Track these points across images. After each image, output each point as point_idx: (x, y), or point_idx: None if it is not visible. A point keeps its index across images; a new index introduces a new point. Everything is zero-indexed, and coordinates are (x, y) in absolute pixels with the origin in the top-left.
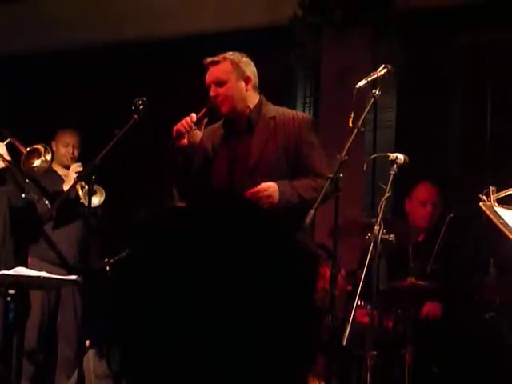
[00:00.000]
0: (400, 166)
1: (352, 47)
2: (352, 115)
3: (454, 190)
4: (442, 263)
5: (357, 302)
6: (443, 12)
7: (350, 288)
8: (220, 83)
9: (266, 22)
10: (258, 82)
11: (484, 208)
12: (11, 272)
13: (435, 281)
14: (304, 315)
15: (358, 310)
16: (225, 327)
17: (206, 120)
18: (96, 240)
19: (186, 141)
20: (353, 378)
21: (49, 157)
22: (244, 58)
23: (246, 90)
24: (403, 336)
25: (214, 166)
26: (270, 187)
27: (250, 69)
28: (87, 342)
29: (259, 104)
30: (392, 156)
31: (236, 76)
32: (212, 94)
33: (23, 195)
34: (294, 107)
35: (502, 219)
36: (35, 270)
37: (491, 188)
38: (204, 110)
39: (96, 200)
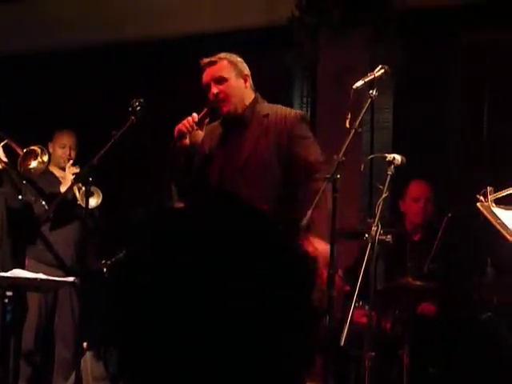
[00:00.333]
0: (397, 167)
1: (349, 48)
2: (349, 116)
3: (452, 190)
4: (439, 263)
5: (354, 302)
6: (441, 12)
7: (347, 288)
8: (220, 80)
9: (264, 22)
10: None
11: (481, 208)
12: (8, 274)
13: (433, 281)
14: (302, 316)
15: (355, 310)
16: (223, 328)
17: (207, 120)
18: (93, 241)
19: (187, 141)
20: (351, 378)
21: (45, 158)
22: (239, 58)
23: (246, 88)
24: (401, 336)
25: (210, 165)
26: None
27: (246, 67)
28: (84, 344)
29: (254, 102)
30: (389, 157)
31: (235, 74)
32: (214, 91)
33: (20, 197)
34: (291, 107)
35: (500, 219)
36: (32, 271)
37: (488, 188)
38: (205, 109)
39: (93, 201)
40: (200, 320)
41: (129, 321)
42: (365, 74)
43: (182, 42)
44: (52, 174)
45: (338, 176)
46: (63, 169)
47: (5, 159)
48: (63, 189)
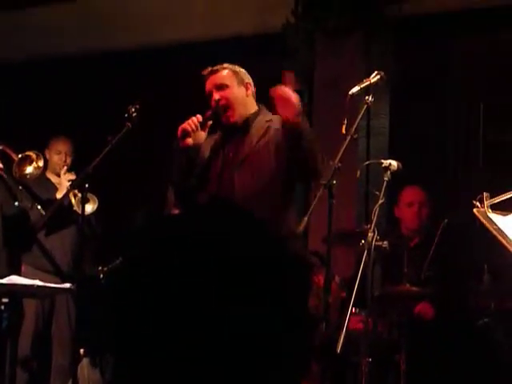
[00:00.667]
0: (393, 173)
1: (345, 54)
2: (345, 122)
3: (448, 196)
4: (436, 270)
5: (351, 308)
6: (436, 18)
7: (344, 295)
8: (222, 87)
9: (259, 29)
10: (255, 92)
11: (478, 214)
12: (5, 280)
13: (429, 287)
14: (298, 322)
15: (352, 316)
16: (222, 335)
17: (210, 122)
18: (90, 248)
19: (191, 140)
20: None
21: (41, 163)
22: (241, 68)
23: (247, 96)
24: (398, 342)
25: (210, 171)
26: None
27: (248, 76)
28: (81, 351)
29: (258, 111)
30: (385, 163)
31: (237, 82)
32: (215, 97)
33: (16, 203)
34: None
35: (496, 225)
36: (29, 278)
37: (485, 194)
38: (209, 112)
39: (89, 208)
40: (198, 327)
41: (125, 328)
42: (360, 80)
43: (176, 50)
44: (48, 180)
45: (334, 182)
46: (59, 175)
47: (0, 165)
48: (59, 195)
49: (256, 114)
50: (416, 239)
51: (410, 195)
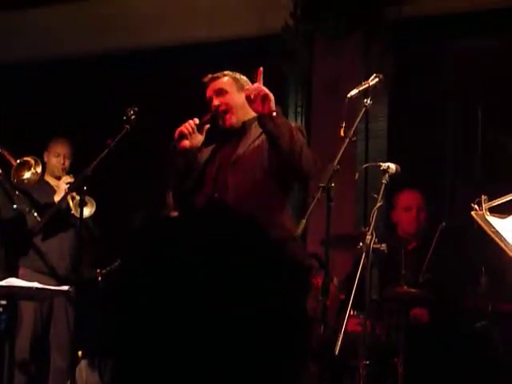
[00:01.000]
0: (392, 176)
1: (344, 56)
2: (344, 125)
3: (446, 199)
4: (434, 273)
5: (349, 311)
6: (436, 20)
7: (342, 297)
8: (221, 93)
9: (258, 31)
10: None
11: (476, 217)
12: (3, 283)
13: (427, 290)
14: (296, 324)
15: (350, 319)
16: (223, 337)
17: (207, 126)
18: (88, 251)
19: (187, 142)
20: None
21: (39, 169)
22: (242, 76)
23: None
24: (396, 345)
25: (207, 171)
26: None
27: (249, 83)
28: (79, 353)
29: (257, 116)
30: (384, 165)
31: (236, 88)
32: (215, 103)
33: (15, 206)
34: (285, 116)
35: (494, 228)
36: (27, 280)
37: (483, 197)
38: (207, 116)
39: (87, 211)
40: (197, 329)
41: (124, 330)
42: (359, 83)
43: (176, 51)
44: (47, 183)
45: (333, 185)
46: (58, 178)
47: None
48: (57, 198)
49: (254, 119)
50: (414, 242)
51: (408, 199)
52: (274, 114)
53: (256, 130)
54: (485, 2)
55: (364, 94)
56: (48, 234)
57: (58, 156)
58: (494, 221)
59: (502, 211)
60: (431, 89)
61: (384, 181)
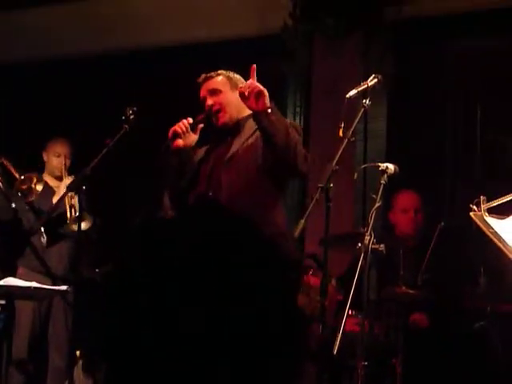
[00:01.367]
0: (390, 176)
1: (343, 56)
2: (342, 125)
3: (445, 200)
4: (432, 273)
5: (347, 311)
6: (434, 21)
7: (340, 297)
8: (215, 92)
9: (257, 31)
10: None
11: (474, 218)
12: (1, 282)
13: (426, 290)
14: (290, 323)
15: (348, 319)
16: (221, 338)
17: (201, 125)
18: (86, 251)
19: (181, 141)
20: None
21: (39, 188)
22: (236, 74)
23: (240, 101)
24: (394, 346)
25: (201, 170)
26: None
27: (243, 82)
28: (77, 353)
29: (251, 114)
30: (382, 166)
31: (230, 87)
32: (209, 102)
33: (13, 205)
34: (284, 116)
35: (492, 229)
36: (25, 280)
37: (482, 198)
38: (201, 116)
39: (83, 225)
40: (197, 330)
41: (122, 333)
42: (358, 83)
43: (176, 51)
44: (46, 183)
45: (331, 185)
46: (58, 178)
47: None
48: (56, 199)
49: (248, 117)
50: (412, 243)
51: (406, 201)
52: (269, 110)
53: (250, 128)
54: (485, 2)
55: (363, 94)
56: (49, 242)
57: (58, 156)
58: (493, 221)
59: (500, 212)
60: (431, 89)
61: (383, 181)
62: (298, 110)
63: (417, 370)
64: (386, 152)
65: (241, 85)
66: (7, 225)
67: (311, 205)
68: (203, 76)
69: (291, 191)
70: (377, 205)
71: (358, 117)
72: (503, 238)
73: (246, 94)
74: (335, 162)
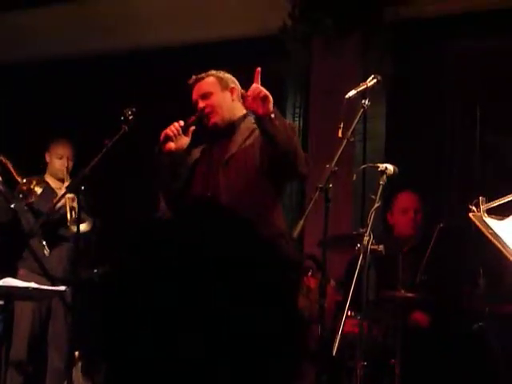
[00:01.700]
0: (389, 177)
1: (342, 57)
2: (342, 125)
3: (444, 200)
4: (431, 274)
5: (346, 312)
6: (433, 22)
7: (339, 298)
8: (206, 95)
9: (256, 31)
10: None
11: (473, 218)
12: (0, 283)
13: (424, 291)
14: (290, 324)
15: (347, 320)
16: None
17: (193, 128)
18: (86, 252)
19: (173, 144)
20: None
21: (39, 190)
22: (227, 74)
23: (232, 100)
24: (393, 346)
25: (197, 172)
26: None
27: (233, 81)
28: (76, 353)
29: (246, 114)
30: (382, 166)
31: (220, 87)
32: (200, 106)
33: (12, 205)
34: (284, 117)
35: (492, 229)
36: (26, 281)
37: (481, 198)
38: (193, 118)
39: (82, 227)
40: (193, 332)
41: (120, 334)
42: (357, 84)
43: (176, 51)
44: (48, 184)
45: (330, 186)
46: (60, 180)
47: None
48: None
49: (243, 118)
50: (411, 243)
51: (405, 201)
52: (273, 115)
53: (246, 128)
54: (484, 2)
55: (362, 94)
56: (51, 241)
57: (60, 158)
58: (492, 222)
59: (500, 213)
60: (430, 89)
61: (382, 182)
62: (297, 110)
63: (415, 370)
64: (385, 152)
65: (232, 84)
66: (6, 226)
67: (310, 205)
68: (194, 78)
69: (289, 192)
70: (376, 205)
71: (357, 117)
72: (502, 238)
73: (251, 98)
74: (334, 162)
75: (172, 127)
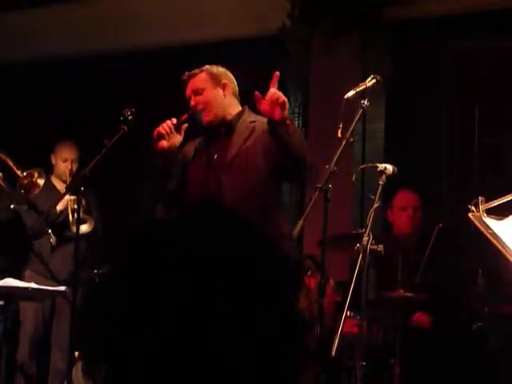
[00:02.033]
0: (389, 177)
1: (341, 57)
2: (341, 126)
3: (443, 200)
4: (430, 274)
5: (346, 312)
6: (432, 22)
7: (339, 298)
8: (198, 92)
9: (256, 31)
10: (237, 90)
11: (473, 218)
12: (0, 283)
13: (424, 291)
14: (288, 323)
15: (346, 320)
16: (221, 339)
17: (185, 125)
18: (88, 254)
19: (165, 142)
20: None
21: (41, 182)
22: (220, 68)
23: (225, 96)
24: (392, 346)
25: (191, 171)
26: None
27: (227, 76)
28: (76, 354)
29: (242, 112)
30: (381, 166)
31: (212, 83)
32: (192, 103)
33: (12, 206)
34: None
35: (491, 229)
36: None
37: (480, 198)
38: (185, 115)
39: (84, 227)
40: (193, 332)
41: (120, 334)
42: (356, 84)
43: (175, 52)
44: (53, 186)
45: (330, 186)
46: (65, 182)
47: None
48: (60, 207)
49: (239, 115)
50: (410, 243)
51: (404, 199)
52: (288, 121)
53: (245, 128)
54: (484, 2)
55: (361, 94)
56: (57, 240)
57: (65, 161)
58: (491, 222)
59: (499, 213)
60: (429, 89)
61: (381, 182)
62: (296, 110)
63: (415, 370)
64: (385, 152)
65: (224, 80)
66: (8, 226)
67: (309, 205)
68: (187, 74)
69: (289, 192)
70: (375, 205)
71: (357, 117)
72: (502, 238)
73: (269, 102)
74: (334, 162)
75: (164, 125)
